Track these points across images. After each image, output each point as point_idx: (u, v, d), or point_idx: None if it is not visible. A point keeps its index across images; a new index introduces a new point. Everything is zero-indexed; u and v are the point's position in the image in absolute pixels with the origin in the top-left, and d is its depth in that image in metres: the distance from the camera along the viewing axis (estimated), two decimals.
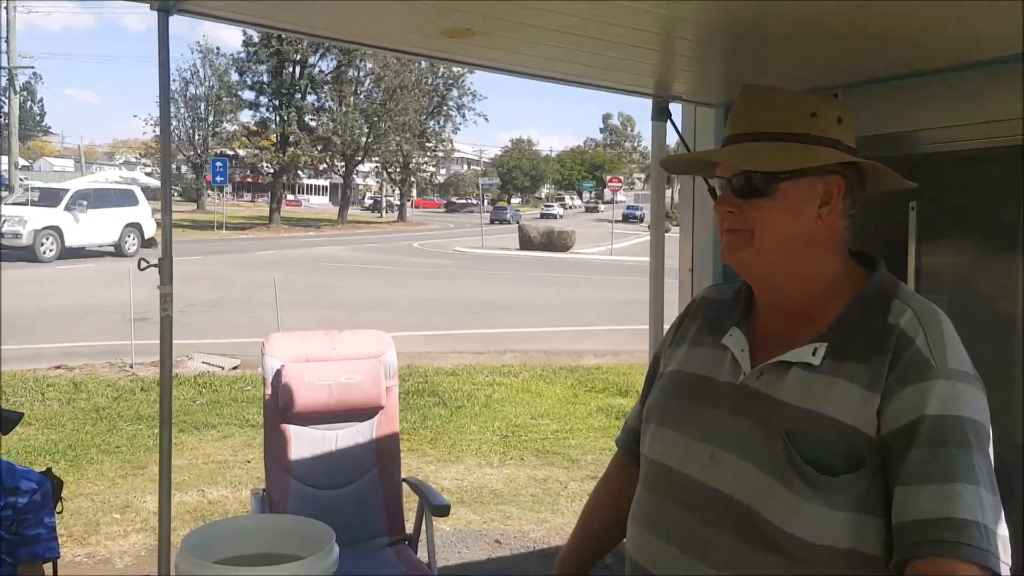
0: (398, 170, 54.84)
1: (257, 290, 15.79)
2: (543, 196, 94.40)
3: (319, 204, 78.12)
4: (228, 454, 6.91)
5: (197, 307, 15.15)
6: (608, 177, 48.14)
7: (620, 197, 44.53)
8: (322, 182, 79.44)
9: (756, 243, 1.35)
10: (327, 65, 47.81)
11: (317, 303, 16.17)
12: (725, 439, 1.34)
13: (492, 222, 50.38)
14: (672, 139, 2.56)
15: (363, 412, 3.76)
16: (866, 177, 1.40)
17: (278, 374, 3.64)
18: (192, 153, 51.72)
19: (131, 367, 9.95)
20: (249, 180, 63.18)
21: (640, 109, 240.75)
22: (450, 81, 52.92)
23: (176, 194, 53.08)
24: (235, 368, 10.47)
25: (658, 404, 1.52)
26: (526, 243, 34.04)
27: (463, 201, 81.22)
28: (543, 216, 66.82)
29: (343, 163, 49.89)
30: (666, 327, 1.71)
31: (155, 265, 1.93)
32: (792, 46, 2.10)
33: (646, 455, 1.49)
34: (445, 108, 54.00)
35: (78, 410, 8.06)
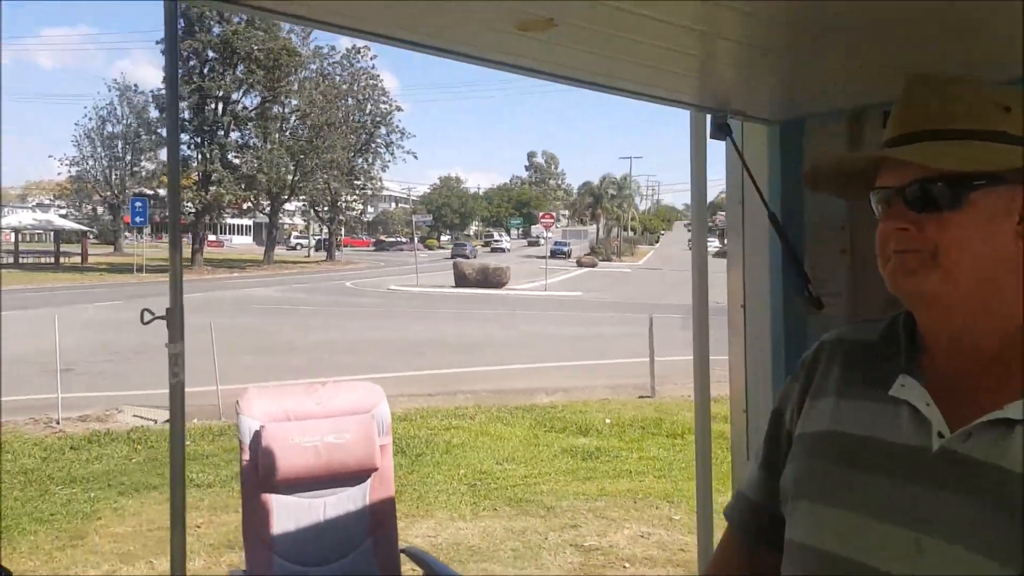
0: (326, 208, 54.00)
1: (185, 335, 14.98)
2: (471, 233, 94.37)
3: (242, 244, 76.30)
4: None
5: (122, 355, 14.31)
6: (540, 213, 48.25)
7: (545, 232, 44.67)
8: (245, 221, 77.71)
9: (943, 266, 1.07)
10: (251, 102, 46.97)
11: (252, 347, 15.47)
12: (934, 523, 1.02)
13: (454, 257, 50.95)
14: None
15: (354, 475, 3.33)
16: None
17: (256, 436, 3.19)
18: (109, 193, 49.91)
19: (58, 423, 9.17)
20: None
21: (562, 147, 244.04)
22: (378, 119, 52.60)
23: (91, 236, 51.16)
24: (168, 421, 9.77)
25: (811, 474, 1.19)
26: (462, 280, 33.68)
27: (393, 239, 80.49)
28: (493, 250, 72.85)
29: (268, 202, 48.85)
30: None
31: (161, 317, 1.52)
32: (855, 53, 1.86)
33: (802, 542, 1.16)
34: (373, 145, 53.56)
35: (4, 473, 7.31)
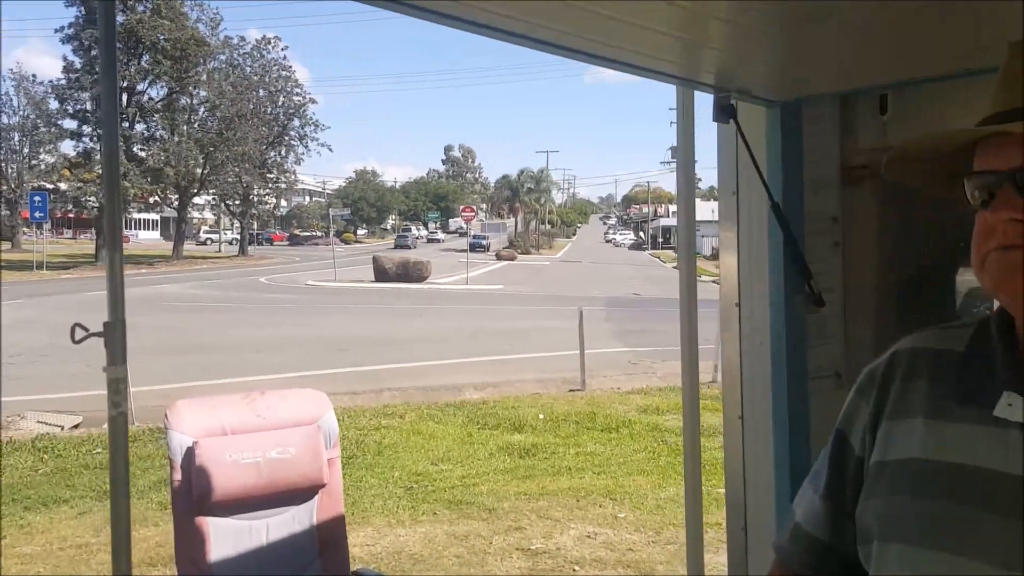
0: (237, 202, 52.40)
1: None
2: (389, 227, 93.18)
3: (149, 240, 73.37)
4: (89, 535, 5.82)
5: (25, 356, 13.44)
6: (461, 207, 47.87)
7: (465, 226, 44.53)
8: (152, 216, 74.79)
9: None
10: (157, 92, 45.13)
11: (169, 347, 14.76)
12: None
13: (397, 247, 51.75)
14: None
15: (300, 493, 3.03)
16: None
17: (189, 453, 2.86)
18: (5, 188, 47.26)
19: None
20: (71, 215, 58.47)
21: (480, 140, 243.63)
22: (291, 111, 51.32)
23: None
24: (76, 427, 9.16)
25: (904, 512, 1.00)
26: (381, 275, 33.10)
27: (308, 234, 78.74)
28: (429, 240, 79.71)
29: (177, 196, 47.09)
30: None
31: (98, 334, 1.21)
32: (863, 35, 1.71)
33: None
34: (287, 138, 52.21)
35: None
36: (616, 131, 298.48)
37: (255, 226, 59.92)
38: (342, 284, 31.93)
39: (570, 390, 11.50)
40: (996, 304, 1.06)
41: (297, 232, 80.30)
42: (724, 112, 2.04)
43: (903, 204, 2.50)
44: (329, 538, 3.06)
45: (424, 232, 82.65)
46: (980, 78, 2.07)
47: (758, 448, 2.26)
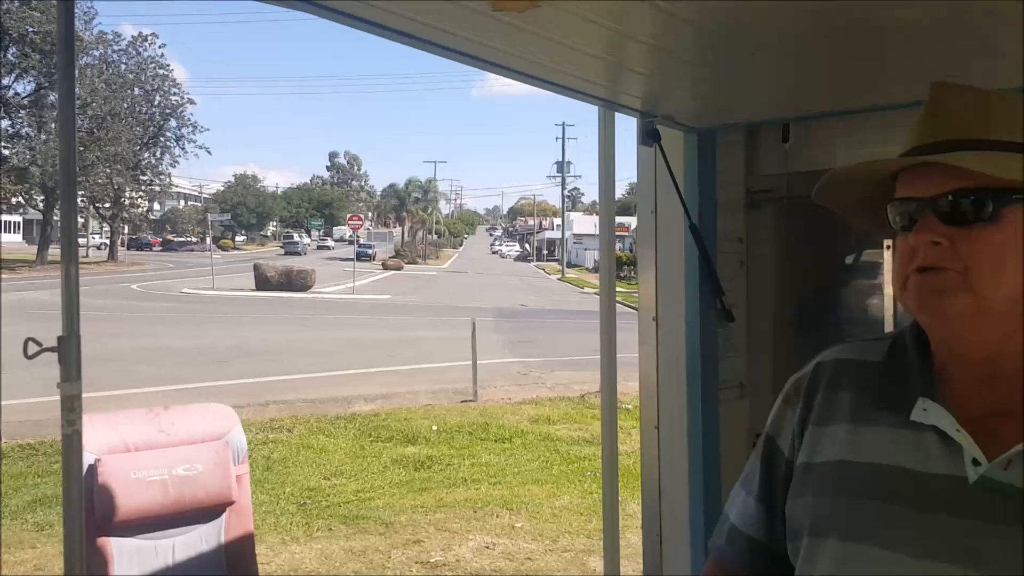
0: (108, 205, 49.91)
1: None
2: (270, 234, 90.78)
3: (11, 243, 68.81)
4: None
5: None
6: (349, 215, 47.17)
7: (351, 234, 43.96)
8: (15, 218, 70.24)
9: (977, 288, 0.99)
10: (24, 88, 42.53)
11: (37, 359, 13.87)
12: (983, 559, 0.95)
13: (286, 254, 50.10)
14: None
15: (208, 511, 2.95)
16: None
17: (91, 471, 2.75)
18: None
19: None
20: None
21: (366, 148, 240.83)
22: (168, 111, 49.38)
23: None
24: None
25: (834, 510, 1.08)
26: (263, 283, 32.22)
27: (182, 239, 75.74)
28: (319, 247, 78.05)
29: (43, 197, 44.44)
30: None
31: (52, 348, 1.16)
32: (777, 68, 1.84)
33: None
34: (162, 139, 50.18)
35: None
36: (503, 144, 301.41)
37: (126, 230, 57.26)
38: (221, 292, 30.88)
39: (462, 401, 11.53)
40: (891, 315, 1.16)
41: (171, 237, 77.11)
42: (649, 136, 2.14)
43: (800, 227, 2.68)
44: (237, 557, 2.99)
45: (308, 240, 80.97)
46: (872, 114, 2.27)
47: (673, 455, 2.37)
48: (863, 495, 1.05)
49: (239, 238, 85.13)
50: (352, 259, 39.52)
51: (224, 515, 2.99)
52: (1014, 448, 0.96)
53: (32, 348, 1.18)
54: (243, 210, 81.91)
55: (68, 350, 1.17)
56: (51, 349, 1.17)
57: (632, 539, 4.83)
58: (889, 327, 2.54)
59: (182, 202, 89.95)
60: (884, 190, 1.10)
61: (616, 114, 2.25)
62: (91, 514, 2.73)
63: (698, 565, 2.34)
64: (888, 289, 2.52)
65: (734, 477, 2.46)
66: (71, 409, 1.18)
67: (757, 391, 2.59)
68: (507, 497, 7.10)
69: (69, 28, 1.12)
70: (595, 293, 39.60)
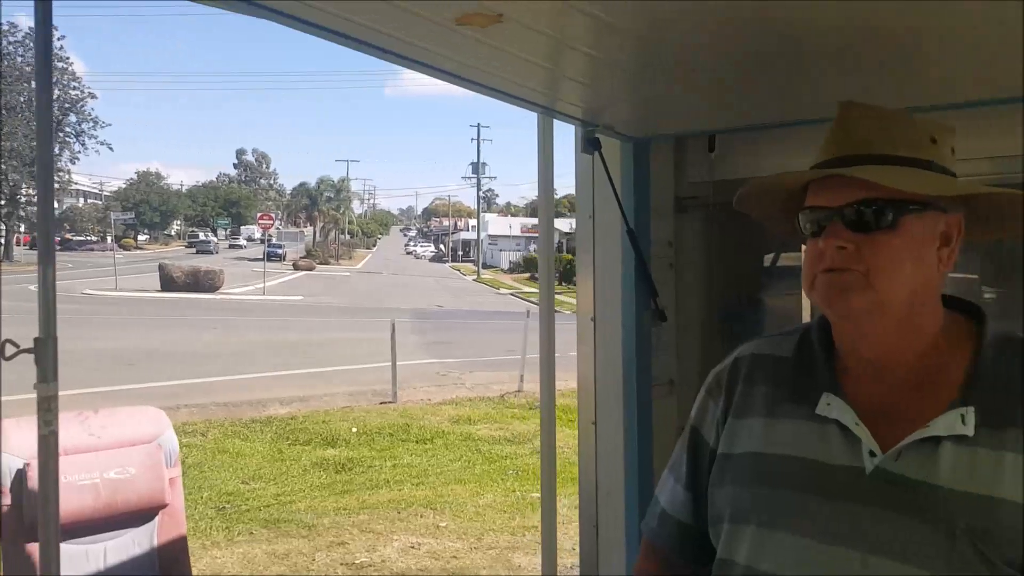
0: (3, 203, 47.54)
1: None
2: (174, 233, 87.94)
3: None
4: None
5: None
6: (259, 214, 46.13)
7: (261, 233, 43.03)
8: None
9: (877, 287, 1.10)
10: None
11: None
12: (878, 542, 1.06)
13: (198, 253, 48.31)
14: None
15: (140, 514, 2.92)
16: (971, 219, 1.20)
17: (20, 476, 2.69)
18: None
19: None
20: None
21: (276, 146, 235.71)
22: (67, 105, 47.36)
23: None
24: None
25: (750, 498, 1.19)
26: (169, 284, 31.24)
27: (81, 238, 72.63)
28: (231, 247, 76.21)
29: None
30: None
31: (28, 350, 1.16)
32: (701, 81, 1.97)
33: (751, 566, 1.16)
34: (61, 135, 48.08)
35: None
36: (417, 144, 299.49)
37: (22, 228, 54.65)
38: (125, 293, 29.80)
39: (381, 403, 11.49)
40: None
41: (69, 236, 73.85)
42: (590, 144, 2.24)
43: (725, 231, 2.84)
44: (171, 560, 2.97)
45: (214, 238, 78.66)
46: (793, 128, 2.43)
47: (609, 450, 2.48)
48: (776, 485, 1.16)
49: (142, 237, 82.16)
50: (261, 259, 38.70)
51: (157, 518, 2.96)
52: (903, 441, 1.07)
53: (9, 349, 1.18)
54: (146, 208, 79.10)
55: (45, 352, 1.19)
56: (28, 351, 1.18)
57: (559, 535, 4.95)
58: None
59: (82, 200, 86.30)
60: (796, 199, 1.21)
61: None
62: (20, 520, 2.67)
63: (633, 553, 2.45)
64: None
65: (666, 467, 2.60)
66: (48, 410, 1.20)
67: (685, 387, 2.73)
68: (431, 497, 7.15)
69: (47, 32, 1.14)
70: (511, 294, 39.94)
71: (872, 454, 1.09)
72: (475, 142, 73.79)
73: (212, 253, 60.38)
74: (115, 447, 2.91)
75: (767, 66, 1.81)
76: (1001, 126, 2.09)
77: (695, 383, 2.77)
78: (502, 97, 2.09)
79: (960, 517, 1.02)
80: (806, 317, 2.71)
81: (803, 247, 2.71)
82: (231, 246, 77.37)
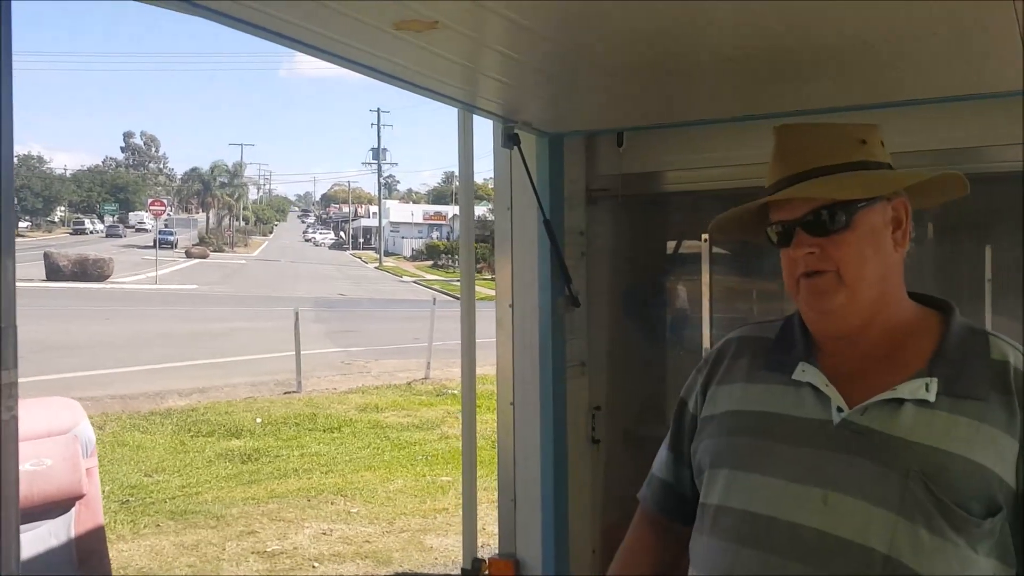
0: None
1: None
2: (57, 220, 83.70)
3: None
4: None
5: None
6: (149, 200, 44.45)
7: (153, 220, 41.51)
8: None
9: (849, 283, 1.26)
10: None
11: None
12: (838, 481, 1.21)
13: (162, 246, 45.82)
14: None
15: (57, 506, 2.90)
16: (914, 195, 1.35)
17: None
18: None
19: None
20: None
21: (166, 129, 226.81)
22: None
23: None
24: None
25: (726, 447, 1.35)
26: (54, 273, 29.86)
27: None
28: (137, 231, 73.77)
29: None
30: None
31: None
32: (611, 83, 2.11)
33: (723, 505, 1.31)
34: None
35: None
36: (315, 128, 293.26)
37: None
38: None
39: (285, 392, 11.39)
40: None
41: None
42: (510, 139, 2.36)
43: (632, 221, 3.02)
44: (88, 551, 2.96)
45: (101, 225, 75.24)
46: (694, 126, 2.62)
47: (526, 430, 2.61)
48: (749, 434, 1.32)
49: (23, 224, 77.94)
50: (152, 247, 37.36)
51: (74, 509, 2.95)
52: (870, 399, 1.23)
53: None
54: (27, 194, 75.10)
55: (7, 340, 1.23)
56: None
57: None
58: (705, 309, 2.92)
59: None
60: (760, 217, 1.38)
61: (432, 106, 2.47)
62: None
63: (548, 526, 2.60)
64: (705, 276, 2.89)
65: (578, 445, 2.77)
66: (9, 396, 1.24)
67: (596, 368, 2.90)
68: (341, 484, 7.18)
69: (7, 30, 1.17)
70: (414, 282, 39.78)
71: (840, 410, 1.25)
72: (375, 127, 73.01)
73: (121, 236, 58.54)
74: (30, 439, 2.87)
75: (669, 70, 1.97)
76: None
77: (605, 364, 2.96)
78: (425, 94, 2.19)
79: (914, 462, 1.17)
80: (705, 302, 2.91)
81: (703, 237, 2.90)
82: (137, 230, 74.59)
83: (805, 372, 1.31)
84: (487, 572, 2.64)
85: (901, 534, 1.16)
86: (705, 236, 2.91)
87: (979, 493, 1.17)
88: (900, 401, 1.22)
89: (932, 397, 1.21)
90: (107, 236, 61.93)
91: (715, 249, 2.93)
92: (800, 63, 1.86)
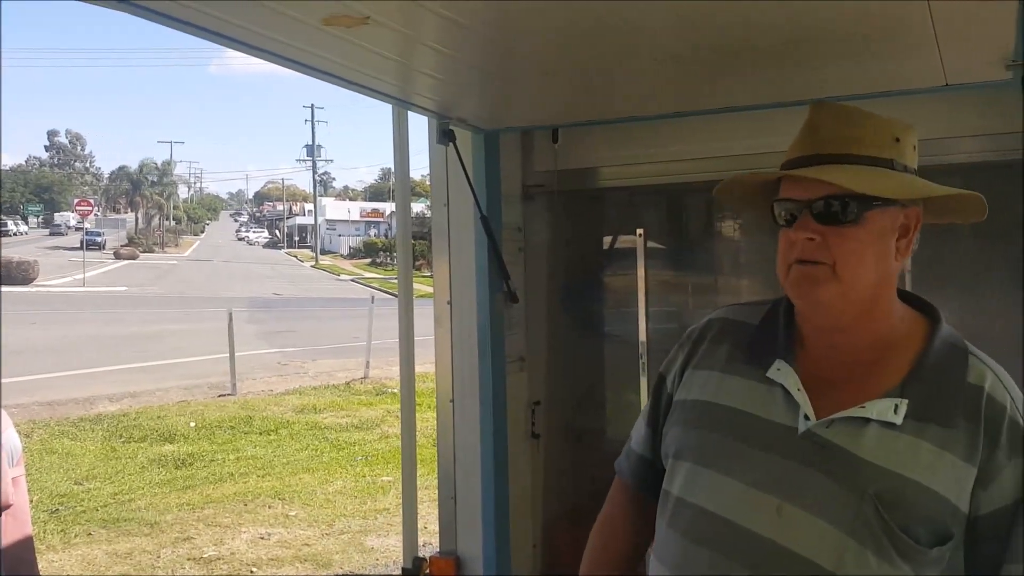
0: None
1: None
2: None
3: None
4: None
5: None
6: (75, 200, 42.98)
7: (78, 221, 40.19)
8: None
9: (843, 279, 1.21)
10: None
11: None
12: (795, 493, 1.19)
13: (89, 247, 43.74)
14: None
15: None
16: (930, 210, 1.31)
17: None
18: None
19: None
20: None
21: (88, 127, 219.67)
22: None
23: None
24: None
25: (693, 439, 1.34)
26: None
27: None
28: (77, 230, 67.77)
29: None
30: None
31: None
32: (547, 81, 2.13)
33: (682, 498, 1.30)
34: None
35: None
36: (246, 125, 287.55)
37: None
38: None
39: (220, 395, 11.16)
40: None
41: None
42: (445, 136, 2.35)
43: (568, 217, 3.04)
44: (17, 561, 2.85)
45: (26, 227, 72.51)
46: (627, 123, 2.64)
47: (466, 427, 2.61)
48: (716, 430, 1.30)
49: None
50: (79, 248, 36.20)
51: (0, 520, 2.84)
52: (837, 413, 1.21)
53: None
54: None
55: None
56: None
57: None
58: (641, 303, 2.96)
59: None
60: (769, 191, 1.32)
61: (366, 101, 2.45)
62: None
63: (489, 522, 2.60)
64: (640, 270, 2.93)
65: (518, 440, 2.78)
66: None
67: (535, 363, 2.91)
68: (278, 488, 7.08)
69: None
70: (352, 280, 39.31)
71: (807, 418, 1.22)
72: (309, 123, 71.96)
73: (63, 235, 57.08)
74: None
75: (604, 67, 1.98)
76: None
77: (544, 359, 2.98)
78: (359, 90, 2.17)
79: (871, 485, 1.15)
80: (641, 296, 2.95)
81: (638, 232, 2.94)
82: (77, 229, 71.96)
83: (780, 371, 1.28)
84: (428, 571, 2.63)
85: (849, 555, 1.15)
86: (640, 231, 2.96)
87: (931, 521, 1.16)
88: (867, 420, 1.20)
89: (899, 420, 1.18)
90: (51, 235, 61.32)
91: (650, 244, 2.98)
92: (732, 61, 1.90)
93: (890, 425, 1.18)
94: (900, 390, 1.21)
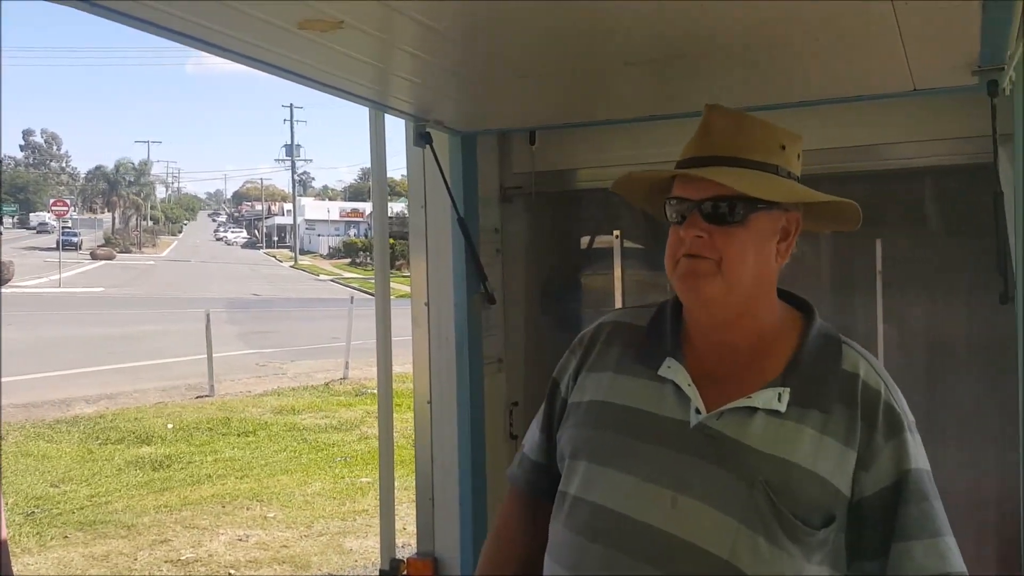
0: None
1: None
2: None
3: None
4: None
5: None
6: (52, 200, 42.50)
7: (55, 221, 39.74)
8: None
9: (726, 275, 1.27)
10: None
11: None
12: (689, 484, 1.23)
13: (66, 247, 42.84)
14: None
15: None
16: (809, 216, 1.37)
17: None
18: None
19: None
20: None
21: (64, 127, 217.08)
22: None
23: None
24: None
25: (588, 439, 1.36)
26: None
27: None
28: (39, 232, 69.65)
29: None
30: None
31: None
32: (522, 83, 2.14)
33: (579, 496, 1.33)
34: None
35: None
36: (225, 124, 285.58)
37: None
38: None
39: (197, 396, 11.09)
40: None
41: None
42: (422, 138, 2.36)
43: (546, 218, 3.06)
44: None
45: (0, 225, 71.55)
46: (603, 126, 2.67)
47: (444, 428, 2.62)
48: (611, 429, 1.33)
49: None
50: (55, 248, 35.81)
51: None
52: (726, 405, 1.26)
53: None
54: None
55: None
56: None
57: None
58: (617, 303, 2.98)
59: None
60: (663, 188, 1.37)
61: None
62: None
63: (466, 524, 2.61)
64: (617, 271, 2.95)
65: (496, 441, 2.80)
66: None
67: (512, 364, 2.93)
68: (256, 489, 7.05)
69: None
70: (332, 280, 39.15)
71: (698, 411, 1.27)
72: (288, 123, 71.60)
73: (78, 247, 56.31)
74: None
75: (581, 71, 2.01)
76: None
77: (521, 359, 2.99)
78: (335, 93, 2.18)
79: (760, 472, 1.21)
80: (618, 296, 2.97)
81: (615, 233, 2.96)
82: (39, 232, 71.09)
83: (670, 368, 1.33)
84: (405, 572, 2.64)
85: (741, 541, 1.19)
86: (617, 232, 2.98)
87: (817, 504, 1.22)
88: (754, 409, 1.25)
89: (783, 407, 1.25)
90: (38, 233, 60.57)
91: (626, 244, 3.00)
92: (704, 65, 1.92)
93: (775, 413, 1.25)
94: (782, 379, 1.28)
